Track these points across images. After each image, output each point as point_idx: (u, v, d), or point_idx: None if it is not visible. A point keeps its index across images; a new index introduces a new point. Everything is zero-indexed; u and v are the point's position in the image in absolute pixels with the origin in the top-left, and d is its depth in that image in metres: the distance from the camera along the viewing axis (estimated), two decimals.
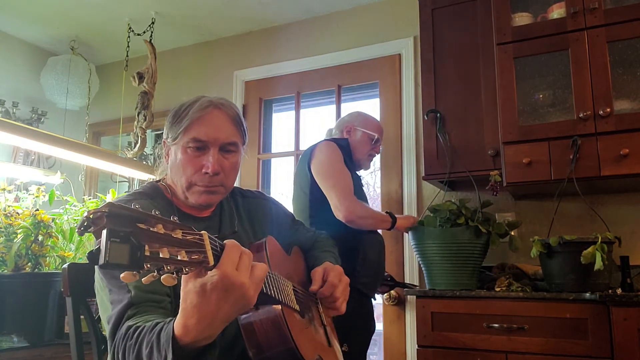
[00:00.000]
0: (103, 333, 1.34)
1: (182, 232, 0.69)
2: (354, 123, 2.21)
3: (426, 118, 2.37)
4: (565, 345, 1.74)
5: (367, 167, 2.23)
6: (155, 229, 0.65)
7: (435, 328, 1.94)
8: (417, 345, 1.96)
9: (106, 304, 1.01)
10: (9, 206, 1.89)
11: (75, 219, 2.06)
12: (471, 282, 2.02)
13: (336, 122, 2.32)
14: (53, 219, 1.92)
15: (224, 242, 0.78)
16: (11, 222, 1.80)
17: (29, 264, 1.80)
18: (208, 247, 0.72)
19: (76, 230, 0.64)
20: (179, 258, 0.67)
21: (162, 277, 0.66)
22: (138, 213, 0.64)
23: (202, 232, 0.73)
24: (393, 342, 2.65)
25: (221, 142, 1.14)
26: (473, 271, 2.03)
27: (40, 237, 1.81)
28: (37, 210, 1.85)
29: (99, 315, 1.39)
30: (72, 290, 1.27)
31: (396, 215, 2.12)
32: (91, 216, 0.61)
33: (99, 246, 0.60)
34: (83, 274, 1.30)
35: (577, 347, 1.72)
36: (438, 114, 2.34)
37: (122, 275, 0.63)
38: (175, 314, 0.93)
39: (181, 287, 0.77)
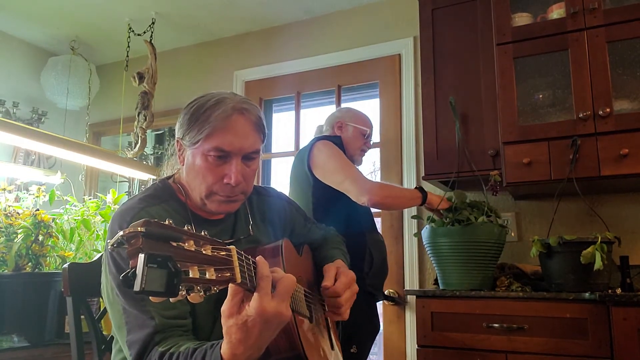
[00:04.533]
0: (104, 333, 1.35)
1: (212, 248, 0.67)
2: (344, 119, 2.16)
3: (452, 101, 2.28)
4: (565, 345, 1.74)
5: (359, 163, 2.20)
6: (186, 245, 0.63)
7: (435, 328, 1.94)
8: (417, 345, 1.96)
9: (119, 321, 1.00)
10: (9, 206, 1.90)
11: (75, 219, 2.06)
12: (487, 282, 1.96)
13: (325, 119, 2.27)
14: (53, 219, 1.92)
15: (256, 266, 0.78)
16: (12, 222, 1.80)
17: (30, 263, 1.81)
18: (236, 264, 0.71)
19: (108, 247, 0.62)
20: (207, 277, 0.65)
21: (189, 295, 0.64)
22: (172, 230, 0.62)
23: (231, 247, 0.72)
24: (393, 342, 2.66)
25: (245, 152, 1.10)
26: (488, 270, 1.98)
27: (40, 237, 1.82)
28: (38, 210, 1.86)
29: (99, 315, 1.40)
30: (72, 290, 1.28)
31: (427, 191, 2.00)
32: (125, 235, 0.59)
33: (134, 270, 0.58)
34: (83, 273, 1.30)
35: (577, 346, 1.72)
36: (452, 103, 2.30)
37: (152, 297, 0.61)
38: (195, 330, 1.03)
39: (222, 320, 0.79)
